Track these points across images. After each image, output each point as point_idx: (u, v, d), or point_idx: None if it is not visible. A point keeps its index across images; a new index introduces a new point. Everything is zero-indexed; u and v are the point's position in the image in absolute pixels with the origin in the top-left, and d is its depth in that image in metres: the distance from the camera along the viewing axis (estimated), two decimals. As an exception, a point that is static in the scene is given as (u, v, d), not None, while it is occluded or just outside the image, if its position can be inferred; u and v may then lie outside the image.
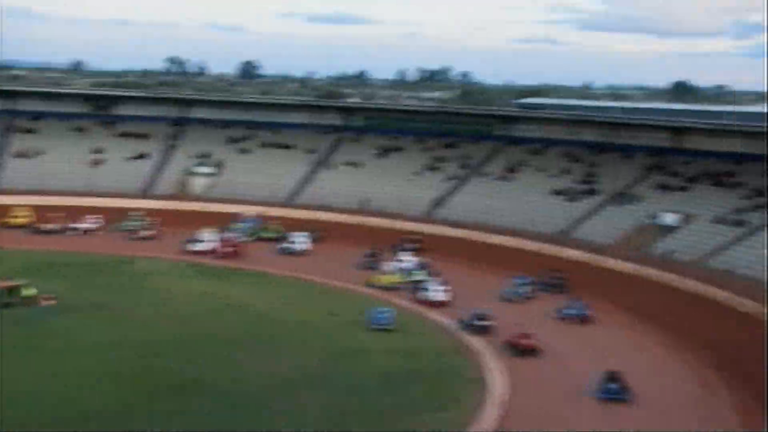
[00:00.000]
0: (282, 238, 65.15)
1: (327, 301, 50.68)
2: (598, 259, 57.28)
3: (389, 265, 57.28)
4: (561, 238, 61.62)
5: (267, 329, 43.99)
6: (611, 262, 56.35)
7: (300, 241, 64.37)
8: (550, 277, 54.67)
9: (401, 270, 56.15)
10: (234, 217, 69.33)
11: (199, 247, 62.48)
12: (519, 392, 35.88)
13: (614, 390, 36.16)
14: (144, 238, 66.04)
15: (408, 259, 58.13)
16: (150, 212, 69.93)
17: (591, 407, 34.76)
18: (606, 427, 32.19)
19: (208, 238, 63.30)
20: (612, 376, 36.74)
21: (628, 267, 54.85)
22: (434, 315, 48.24)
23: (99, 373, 35.53)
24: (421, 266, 56.81)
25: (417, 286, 51.70)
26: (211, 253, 61.18)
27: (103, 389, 33.82)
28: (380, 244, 62.12)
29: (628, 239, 59.37)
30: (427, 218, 68.94)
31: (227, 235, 64.57)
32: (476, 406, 34.15)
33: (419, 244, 62.62)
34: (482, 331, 44.51)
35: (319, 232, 66.56)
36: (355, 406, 33.82)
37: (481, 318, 45.22)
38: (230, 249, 61.15)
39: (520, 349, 41.62)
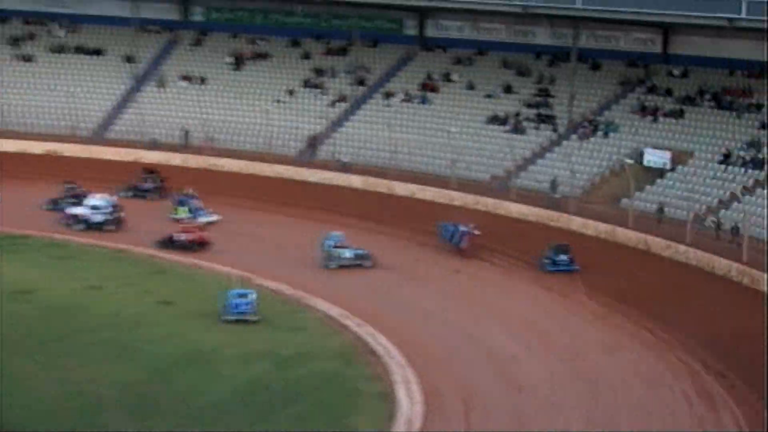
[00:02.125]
0: None
1: (160, 283, 51.17)
2: (552, 217, 58.00)
3: None
4: (499, 188, 62.16)
5: (65, 328, 43.50)
6: (576, 222, 56.82)
7: None
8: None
9: None
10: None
11: None
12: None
13: (564, 262, 52.89)
14: None
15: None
16: None
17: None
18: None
19: None
20: (561, 248, 52.61)
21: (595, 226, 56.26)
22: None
23: None
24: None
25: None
26: None
27: None
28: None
29: (597, 187, 60.31)
30: (302, 161, 69.60)
31: None
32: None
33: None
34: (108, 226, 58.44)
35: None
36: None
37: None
38: None
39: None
